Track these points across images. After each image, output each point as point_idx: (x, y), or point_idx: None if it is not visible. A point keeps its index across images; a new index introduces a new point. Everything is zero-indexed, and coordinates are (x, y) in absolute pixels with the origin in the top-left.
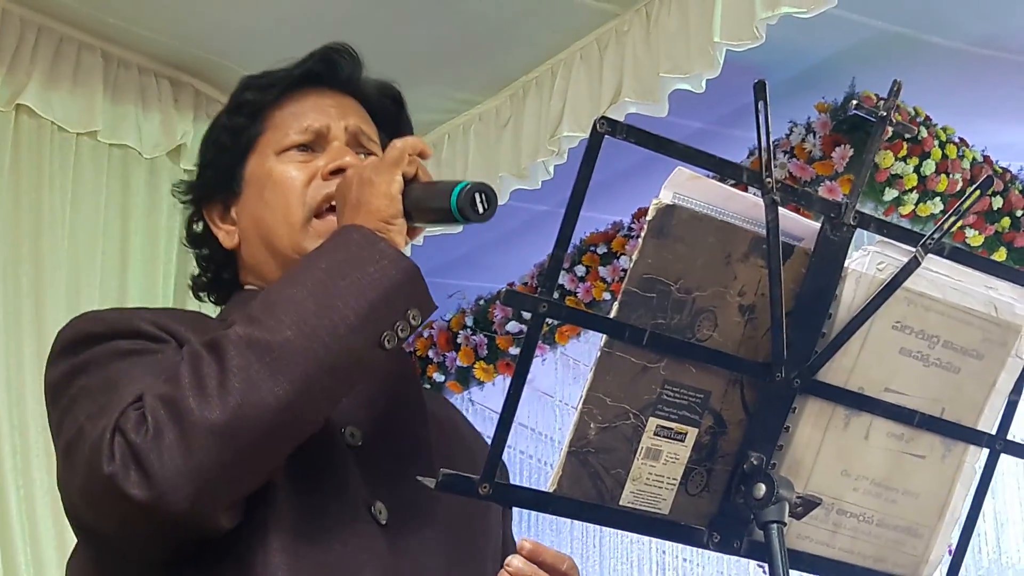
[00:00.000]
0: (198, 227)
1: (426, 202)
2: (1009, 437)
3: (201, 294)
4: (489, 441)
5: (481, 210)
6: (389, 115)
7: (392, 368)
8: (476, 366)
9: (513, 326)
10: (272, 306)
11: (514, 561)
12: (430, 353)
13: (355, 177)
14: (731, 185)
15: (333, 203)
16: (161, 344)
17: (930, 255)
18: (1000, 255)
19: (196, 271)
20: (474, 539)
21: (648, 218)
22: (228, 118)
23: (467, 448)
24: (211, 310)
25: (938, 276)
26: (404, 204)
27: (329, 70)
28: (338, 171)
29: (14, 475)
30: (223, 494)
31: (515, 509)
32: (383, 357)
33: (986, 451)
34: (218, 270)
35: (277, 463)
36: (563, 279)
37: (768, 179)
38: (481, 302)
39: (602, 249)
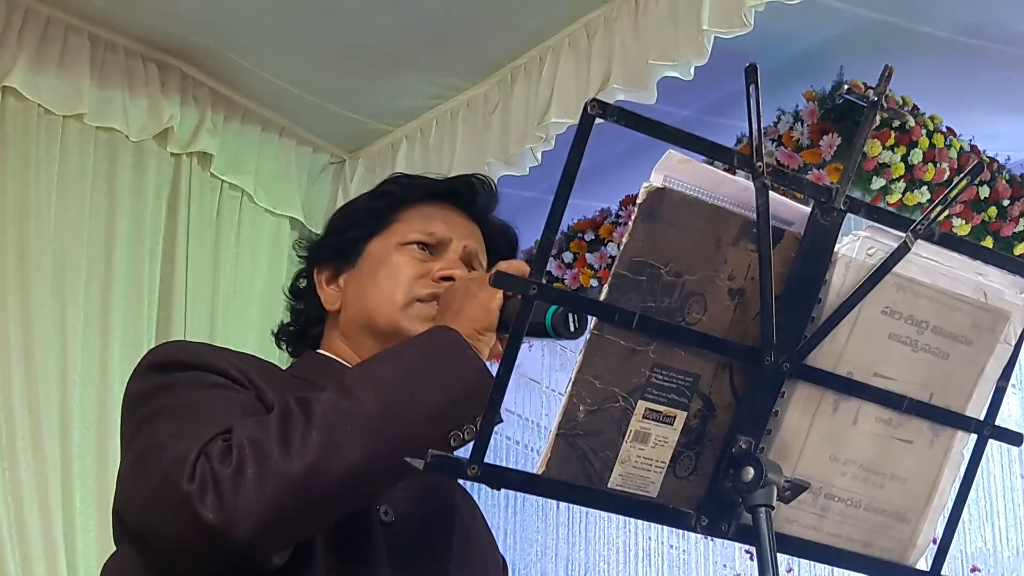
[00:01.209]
0: (302, 283)
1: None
2: (997, 423)
3: (281, 341)
4: None
5: (572, 328)
6: (500, 251)
7: None
8: None
9: None
10: (364, 381)
11: None
12: None
13: (461, 286)
14: (723, 169)
15: (435, 299)
16: (242, 388)
17: (920, 240)
18: (987, 244)
19: (286, 321)
20: None
21: (639, 201)
22: (369, 200)
23: (483, 545)
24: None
25: (928, 262)
26: (501, 317)
27: (469, 195)
28: (446, 279)
29: None
30: (281, 536)
31: (502, 494)
32: (447, 450)
33: (974, 436)
34: (307, 326)
35: (333, 520)
36: (551, 266)
37: (759, 163)
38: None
39: (589, 236)
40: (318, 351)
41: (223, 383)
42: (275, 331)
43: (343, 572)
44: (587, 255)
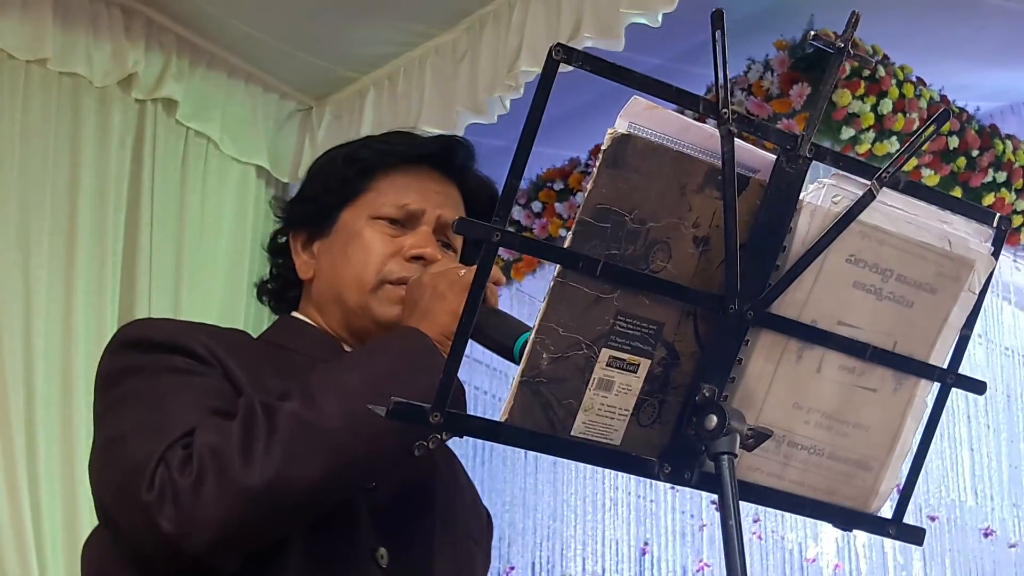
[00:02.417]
0: (281, 240)
1: (490, 332)
2: (960, 371)
3: (262, 297)
4: None
5: None
6: (481, 208)
7: None
8: None
9: None
10: (329, 390)
11: None
12: None
13: (430, 285)
14: (691, 117)
15: (405, 282)
16: (209, 368)
17: (885, 188)
18: (956, 194)
19: (265, 277)
20: None
21: (603, 148)
22: (342, 166)
23: (466, 502)
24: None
25: (893, 210)
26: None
27: (446, 157)
28: (417, 258)
29: None
30: (239, 547)
31: (469, 442)
32: (409, 462)
33: (937, 385)
34: (285, 288)
35: (294, 529)
36: (519, 215)
37: (724, 110)
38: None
39: (558, 185)
40: (294, 315)
41: (190, 367)
42: (256, 284)
43: (326, 541)
44: (556, 204)
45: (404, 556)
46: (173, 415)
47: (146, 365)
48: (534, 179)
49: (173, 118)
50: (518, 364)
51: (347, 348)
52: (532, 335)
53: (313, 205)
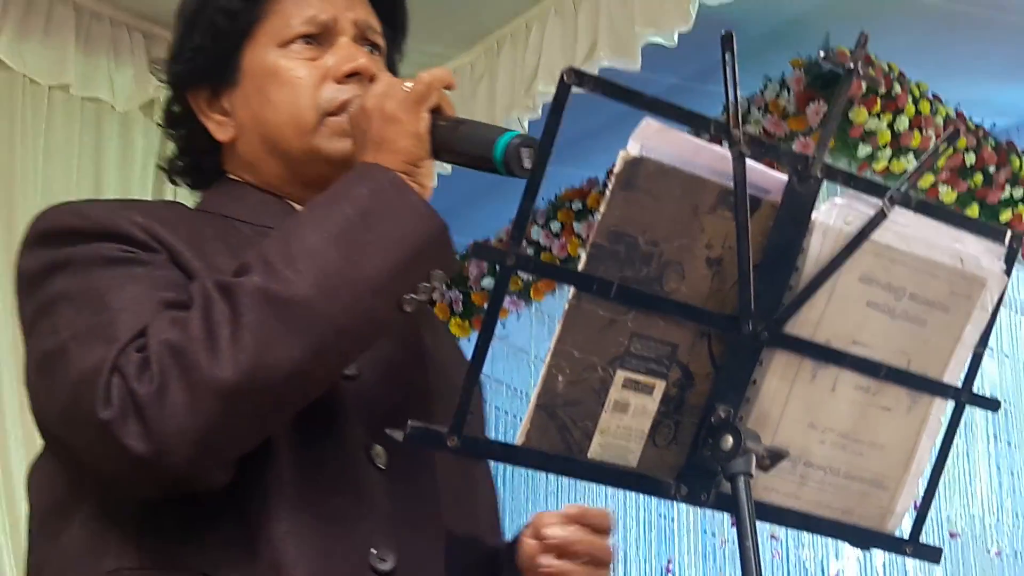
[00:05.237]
0: (177, 108)
1: (462, 145)
2: (975, 389)
3: (176, 178)
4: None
5: (528, 166)
6: (388, 2)
7: None
8: (451, 322)
9: (488, 282)
10: (292, 255)
11: (551, 531)
12: None
13: (377, 108)
14: (703, 138)
15: (347, 107)
16: (151, 254)
17: (897, 207)
18: (972, 211)
19: (173, 154)
20: (469, 484)
21: (615, 170)
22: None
23: (457, 365)
24: (183, 195)
25: (905, 229)
26: (432, 142)
27: None
28: (353, 74)
29: None
30: (224, 454)
31: (492, 463)
32: (401, 319)
33: (952, 403)
34: (199, 157)
35: (283, 423)
36: (538, 235)
37: (736, 131)
38: (456, 257)
39: (577, 205)
40: (230, 176)
41: (127, 254)
42: (162, 167)
43: (311, 456)
44: (574, 224)
45: (404, 454)
46: (118, 314)
47: (74, 258)
48: (553, 199)
49: None
50: (503, 173)
51: (298, 207)
52: (548, 358)
53: (204, 56)
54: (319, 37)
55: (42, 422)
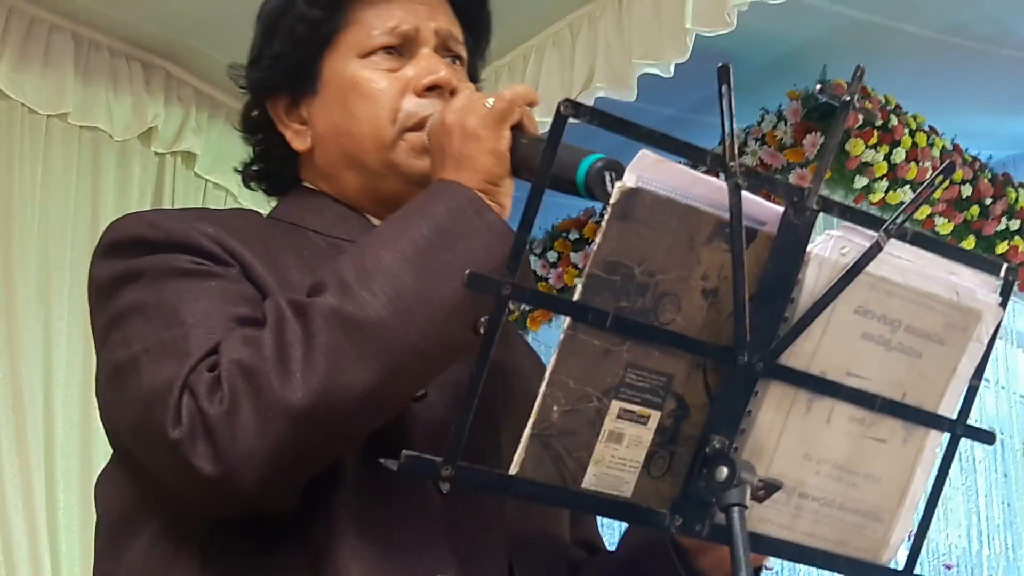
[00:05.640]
0: (255, 114)
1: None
2: (970, 421)
3: (251, 184)
4: None
5: (610, 190)
6: (471, 11)
7: None
8: None
9: None
10: (367, 274)
11: None
12: None
13: (457, 125)
14: (698, 169)
15: (426, 124)
16: (224, 267)
17: (892, 240)
18: (969, 243)
19: (249, 160)
20: (538, 510)
21: (612, 201)
22: (305, 6)
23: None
24: (256, 200)
25: (900, 261)
26: (512, 160)
27: None
28: (433, 87)
29: None
30: (293, 478)
31: None
32: (476, 341)
33: (947, 435)
34: (277, 165)
35: (352, 446)
36: (535, 265)
37: (732, 163)
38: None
39: (574, 235)
40: (307, 185)
41: (200, 267)
42: (239, 170)
43: (376, 481)
44: (571, 254)
45: None
46: (191, 329)
47: (146, 269)
48: (550, 229)
49: (192, 171)
50: (584, 196)
51: (375, 221)
52: (542, 388)
53: (284, 63)
54: (400, 48)
55: (113, 434)
